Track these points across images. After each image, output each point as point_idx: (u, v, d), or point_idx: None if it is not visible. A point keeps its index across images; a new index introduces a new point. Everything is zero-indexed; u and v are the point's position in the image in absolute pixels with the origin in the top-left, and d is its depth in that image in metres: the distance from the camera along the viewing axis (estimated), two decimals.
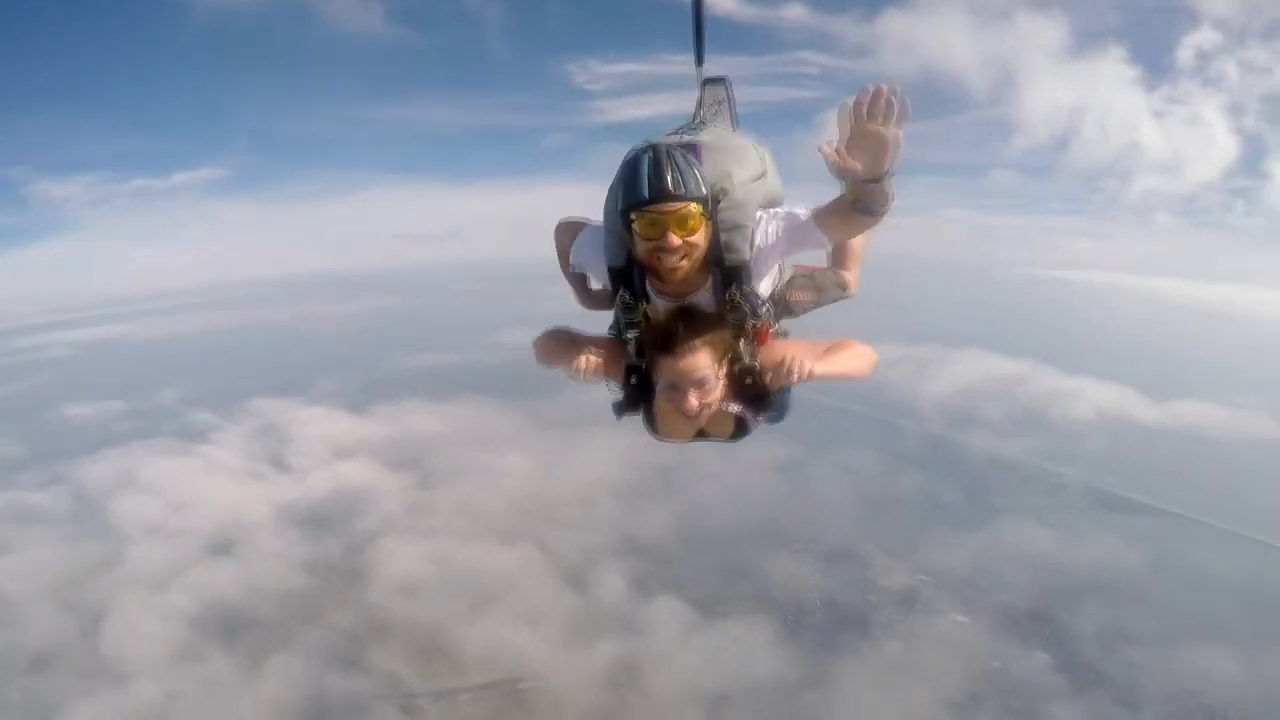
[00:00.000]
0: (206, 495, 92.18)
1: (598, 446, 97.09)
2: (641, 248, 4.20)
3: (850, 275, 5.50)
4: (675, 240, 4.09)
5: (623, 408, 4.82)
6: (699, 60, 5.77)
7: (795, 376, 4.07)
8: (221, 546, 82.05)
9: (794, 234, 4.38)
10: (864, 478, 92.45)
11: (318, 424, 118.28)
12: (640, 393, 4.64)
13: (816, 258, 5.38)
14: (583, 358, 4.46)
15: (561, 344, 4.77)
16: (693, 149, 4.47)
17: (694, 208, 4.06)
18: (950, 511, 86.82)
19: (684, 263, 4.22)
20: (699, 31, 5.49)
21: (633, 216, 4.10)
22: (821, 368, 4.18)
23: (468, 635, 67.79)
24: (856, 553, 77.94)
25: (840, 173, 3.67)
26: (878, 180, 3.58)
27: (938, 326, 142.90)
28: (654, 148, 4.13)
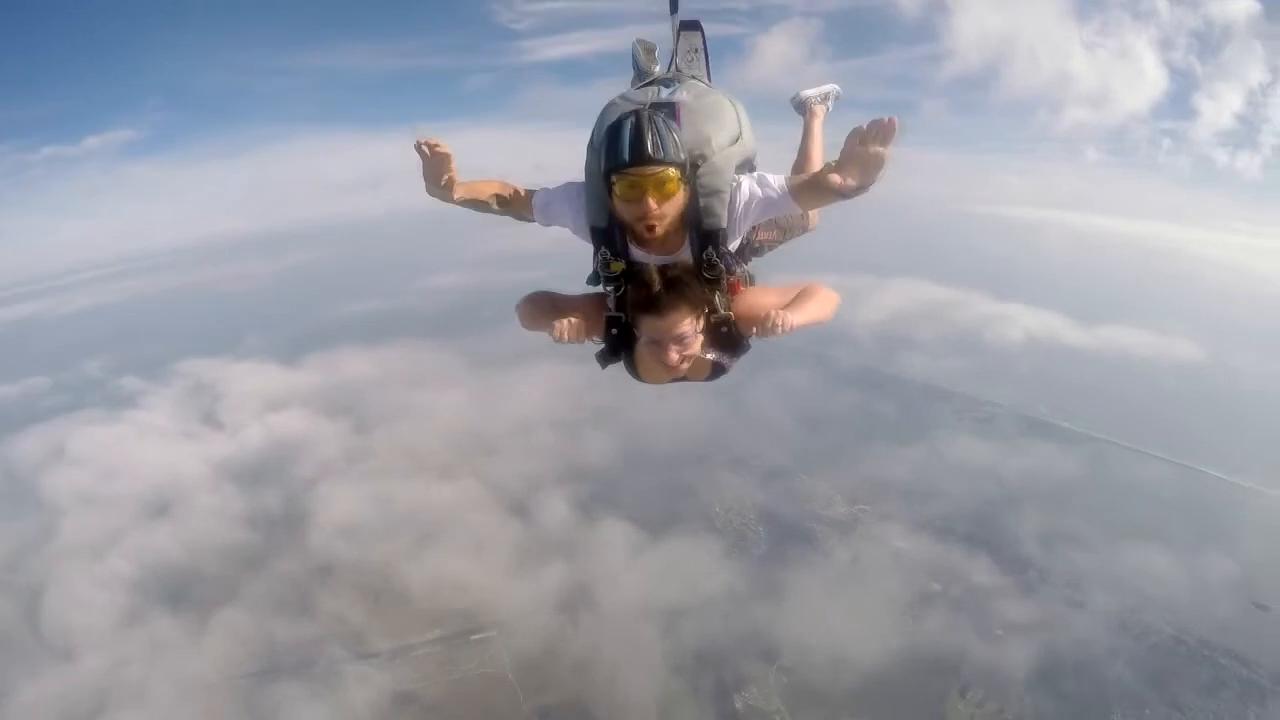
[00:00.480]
0: (139, 459, 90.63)
1: (534, 381, 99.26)
2: (620, 209, 4.32)
3: (814, 215, 5.68)
4: (653, 203, 4.22)
5: (606, 357, 4.92)
6: (674, 5, 5.78)
7: (778, 330, 4.19)
8: (158, 509, 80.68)
9: (770, 205, 4.54)
10: (802, 399, 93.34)
11: (248, 379, 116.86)
12: (621, 342, 4.76)
13: None
14: (562, 324, 4.46)
15: (542, 308, 4.88)
16: (672, 111, 4.68)
17: (672, 172, 4.19)
18: (887, 428, 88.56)
19: (661, 224, 4.34)
20: None
21: (613, 178, 4.22)
22: (797, 318, 4.26)
23: (414, 572, 67.72)
24: (797, 469, 79.16)
25: (838, 188, 3.95)
26: (865, 189, 3.92)
27: (869, 259, 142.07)
28: (636, 113, 4.22)
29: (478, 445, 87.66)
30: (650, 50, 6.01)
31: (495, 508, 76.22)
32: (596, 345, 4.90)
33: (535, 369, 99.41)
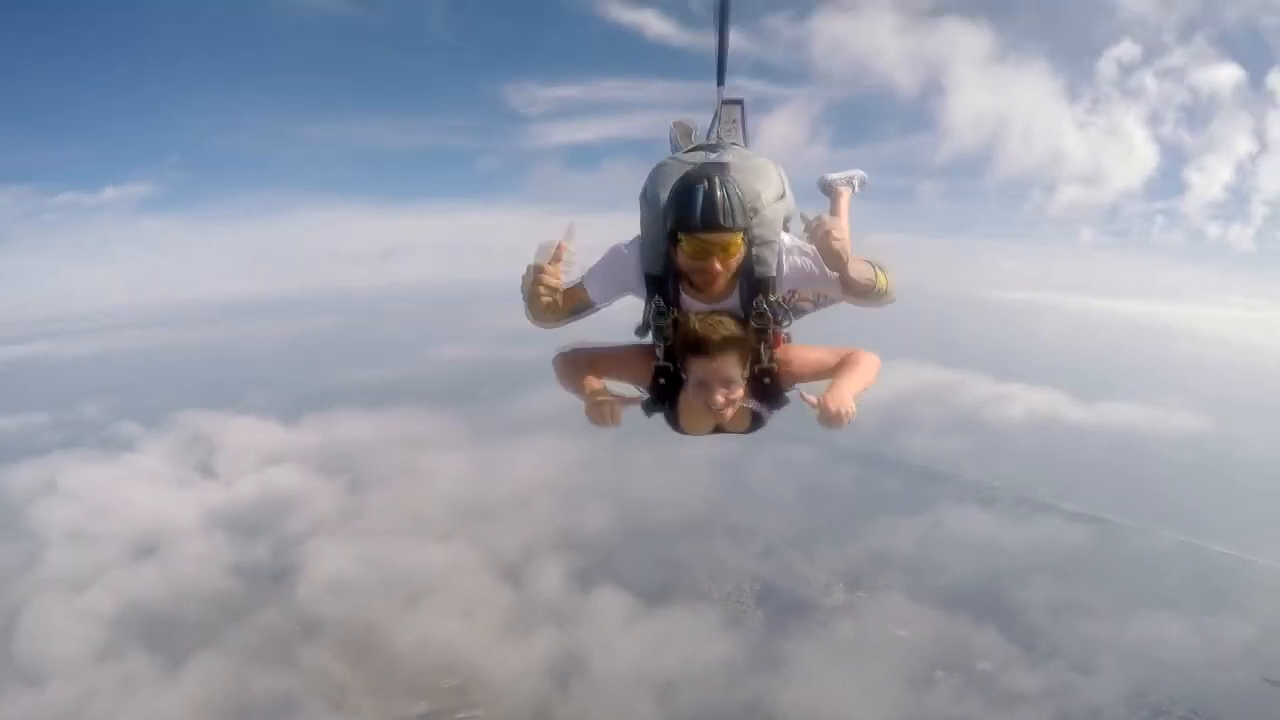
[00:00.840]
0: (130, 500, 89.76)
1: (534, 452, 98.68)
2: (685, 264, 4.46)
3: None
4: (718, 265, 4.39)
5: (651, 406, 4.95)
6: (720, 80, 5.87)
7: (843, 423, 4.30)
8: (145, 550, 79.66)
9: (820, 284, 4.82)
10: (803, 473, 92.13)
11: (246, 433, 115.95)
12: (667, 392, 4.83)
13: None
14: (603, 411, 4.58)
15: (579, 367, 4.92)
16: (723, 170, 4.66)
17: (739, 237, 4.37)
18: (889, 501, 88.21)
19: (722, 279, 4.53)
20: (722, 52, 5.61)
21: (680, 236, 4.34)
22: (852, 400, 4.39)
23: (401, 633, 66.33)
24: (798, 541, 78.42)
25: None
26: (841, 270, 4.32)
27: (869, 342, 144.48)
28: (709, 178, 4.33)
29: (474, 511, 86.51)
30: (688, 131, 6.32)
31: (488, 573, 75.07)
32: (642, 393, 4.95)
33: (536, 440, 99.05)
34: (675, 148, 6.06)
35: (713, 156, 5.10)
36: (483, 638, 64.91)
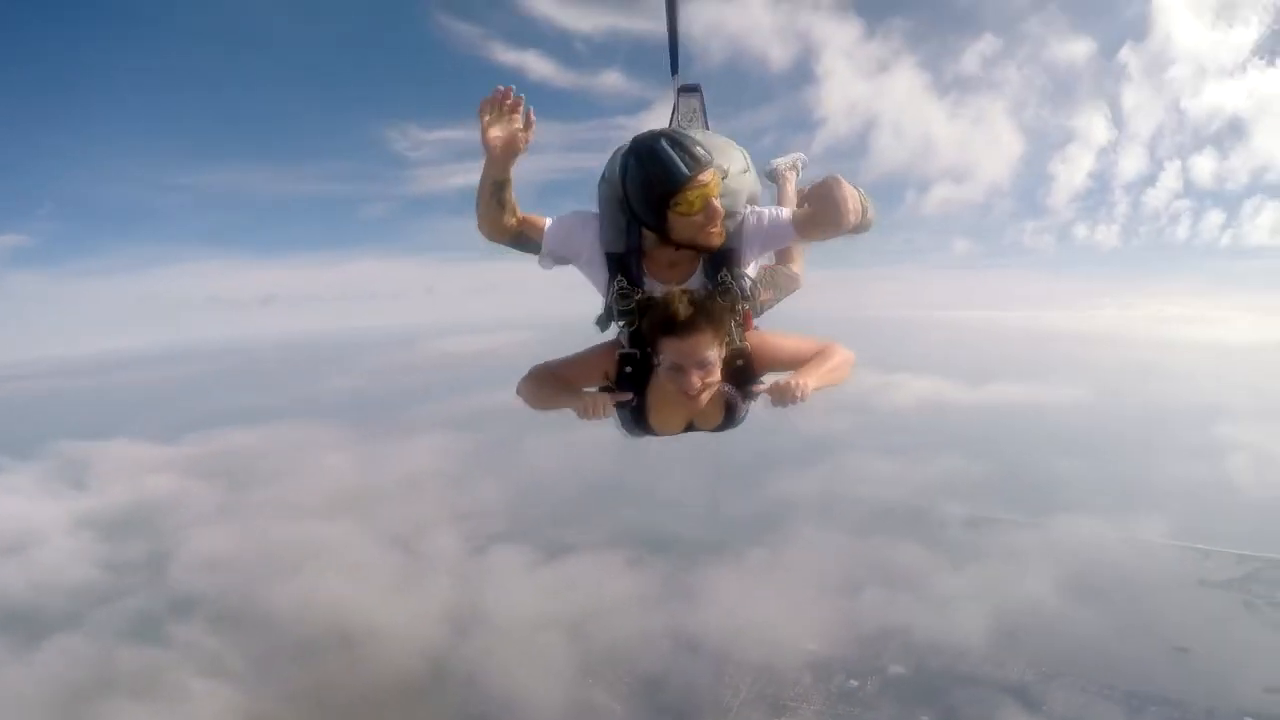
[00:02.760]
0: None
1: (422, 447, 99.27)
2: (682, 228, 4.17)
3: (799, 269, 5.86)
4: (718, 206, 4.15)
5: (626, 416, 4.74)
6: (674, 69, 5.81)
7: (798, 398, 4.14)
8: (7, 549, 75.87)
9: (776, 234, 4.51)
10: (697, 442, 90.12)
11: (122, 453, 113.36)
12: (634, 381, 4.54)
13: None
14: (587, 402, 4.31)
15: (548, 383, 4.64)
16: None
17: (716, 175, 4.13)
18: (786, 459, 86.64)
19: (720, 221, 4.27)
20: (673, 38, 5.52)
21: (675, 200, 4.06)
22: (814, 382, 4.21)
23: (282, 597, 63.84)
24: (698, 496, 77.76)
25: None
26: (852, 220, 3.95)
27: None
28: (664, 133, 4.15)
29: (360, 496, 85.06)
30: None
31: (376, 544, 73.33)
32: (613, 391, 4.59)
33: (424, 439, 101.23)
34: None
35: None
36: (372, 599, 62.95)
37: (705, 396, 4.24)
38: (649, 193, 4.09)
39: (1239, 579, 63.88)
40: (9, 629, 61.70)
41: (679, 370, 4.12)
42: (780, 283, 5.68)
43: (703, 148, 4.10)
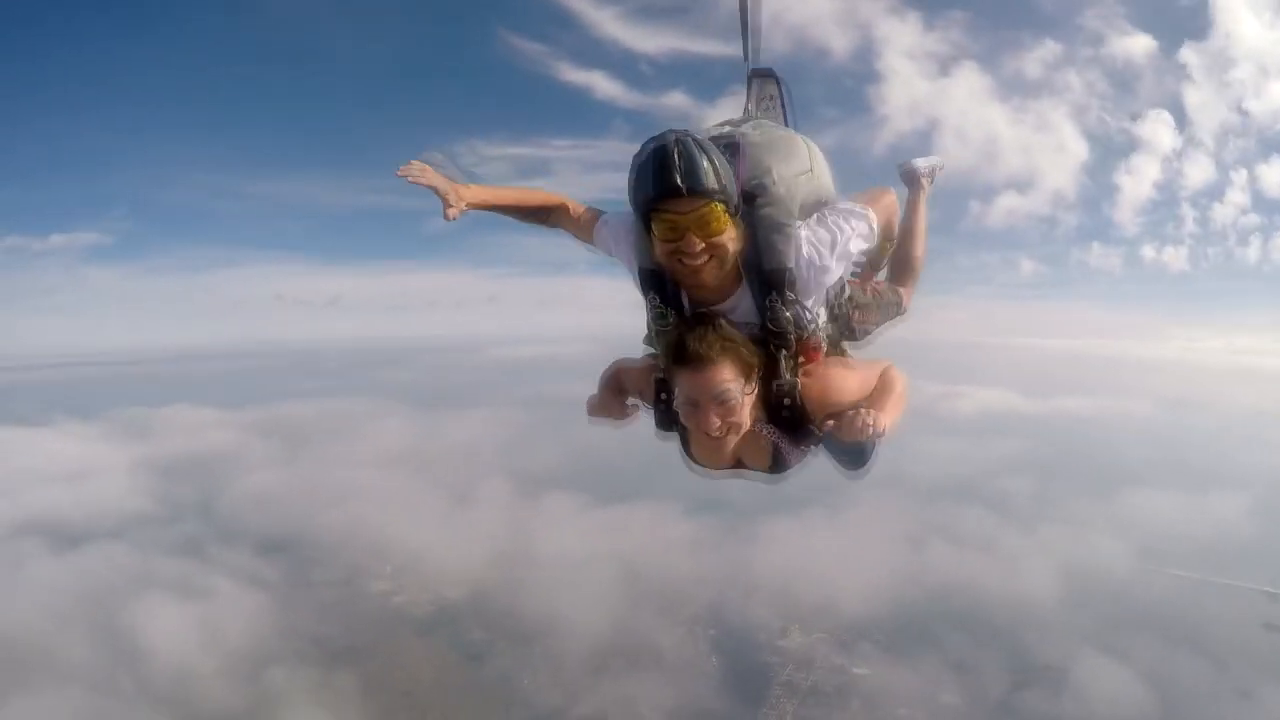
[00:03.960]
0: (59, 454, 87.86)
1: (477, 418, 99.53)
2: (660, 250, 3.61)
3: (908, 293, 5.10)
4: (697, 243, 3.50)
5: (660, 425, 4.05)
6: (746, 55, 5.35)
7: (870, 435, 3.51)
8: (65, 478, 77.92)
9: (850, 226, 3.86)
10: None
11: (184, 415, 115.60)
12: (671, 409, 3.83)
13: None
14: (595, 405, 4.09)
15: (606, 382, 4.26)
16: (732, 147, 3.93)
17: (717, 207, 3.45)
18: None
19: (709, 266, 3.60)
20: (745, 21, 5.10)
21: (650, 220, 3.53)
22: (889, 418, 3.61)
23: (324, 525, 64.74)
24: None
25: None
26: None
27: None
28: (665, 138, 3.43)
29: (415, 454, 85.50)
30: None
31: (426, 489, 73.13)
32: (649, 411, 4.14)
33: (480, 412, 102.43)
34: None
35: (728, 131, 4.21)
36: (417, 533, 62.67)
37: (731, 438, 3.63)
38: (631, 200, 3.59)
39: None
40: (53, 535, 62.85)
41: (694, 406, 3.54)
42: (886, 306, 4.81)
43: (716, 169, 3.41)
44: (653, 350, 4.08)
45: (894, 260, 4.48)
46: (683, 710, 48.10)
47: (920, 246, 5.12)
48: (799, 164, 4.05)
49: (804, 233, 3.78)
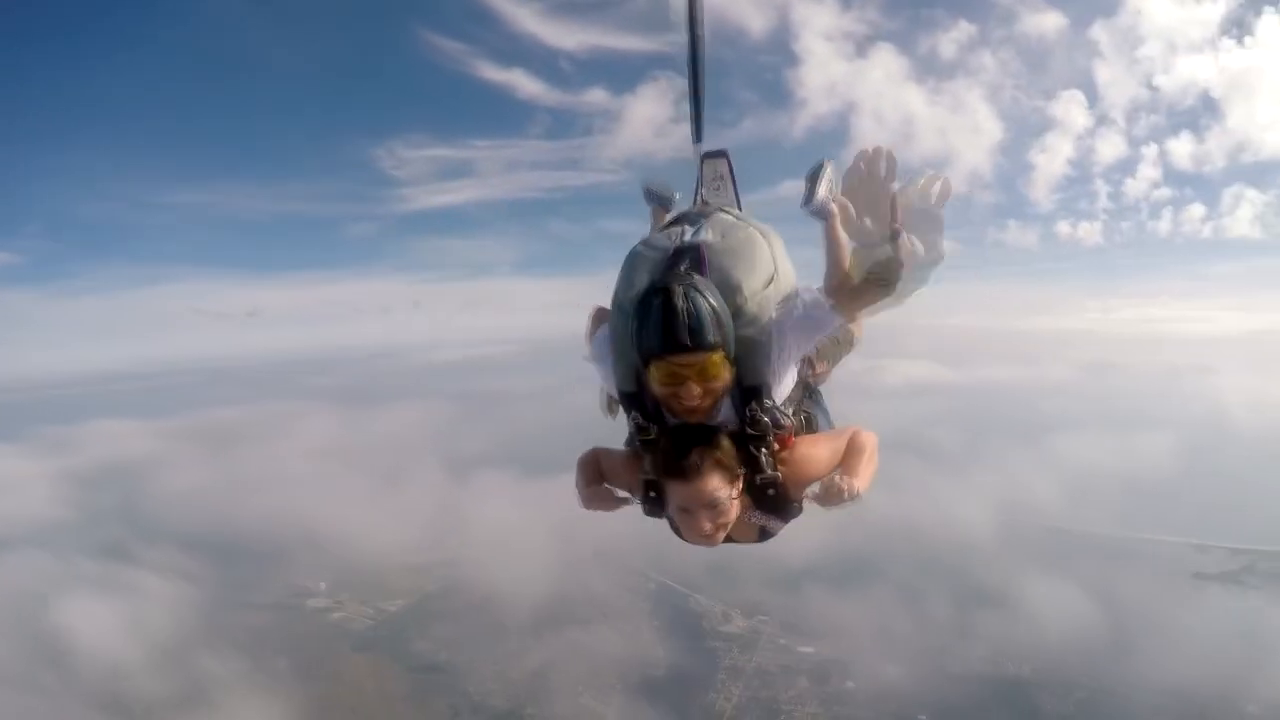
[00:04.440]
0: None
1: (403, 412, 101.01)
2: (658, 391, 3.69)
3: (858, 327, 5.04)
4: (695, 391, 3.58)
5: (650, 514, 4.10)
6: (697, 136, 5.26)
7: (848, 501, 3.69)
8: None
9: (812, 326, 3.96)
10: None
11: (105, 429, 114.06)
12: (659, 504, 3.94)
13: None
14: (595, 499, 4.07)
15: (588, 474, 4.24)
16: (697, 256, 4.03)
17: (716, 357, 3.56)
18: None
19: (704, 404, 3.69)
20: (697, 105, 4.99)
21: (650, 362, 3.60)
22: (863, 483, 3.78)
23: (251, 511, 65.14)
24: None
25: (852, 227, 4.08)
26: (893, 239, 3.97)
27: None
28: (666, 290, 3.54)
29: (342, 447, 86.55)
30: (665, 200, 5.57)
31: (355, 474, 74.06)
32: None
33: (407, 405, 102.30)
34: (660, 199, 5.56)
35: (689, 233, 4.22)
36: (346, 514, 63.62)
37: (720, 535, 3.78)
38: (626, 333, 3.72)
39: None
40: None
41: (687, 514, 3.65)
42: (836, 351, 4.90)
43: (714, 320, 3.53)
44: (633, 446, 4.18)
45: (834, 293, 4.37)
46: (628, 657, 50.51)
47: (845, 272, 4.90)
48: (764, 271, 4.07)
49: (781, 336, 3.96)
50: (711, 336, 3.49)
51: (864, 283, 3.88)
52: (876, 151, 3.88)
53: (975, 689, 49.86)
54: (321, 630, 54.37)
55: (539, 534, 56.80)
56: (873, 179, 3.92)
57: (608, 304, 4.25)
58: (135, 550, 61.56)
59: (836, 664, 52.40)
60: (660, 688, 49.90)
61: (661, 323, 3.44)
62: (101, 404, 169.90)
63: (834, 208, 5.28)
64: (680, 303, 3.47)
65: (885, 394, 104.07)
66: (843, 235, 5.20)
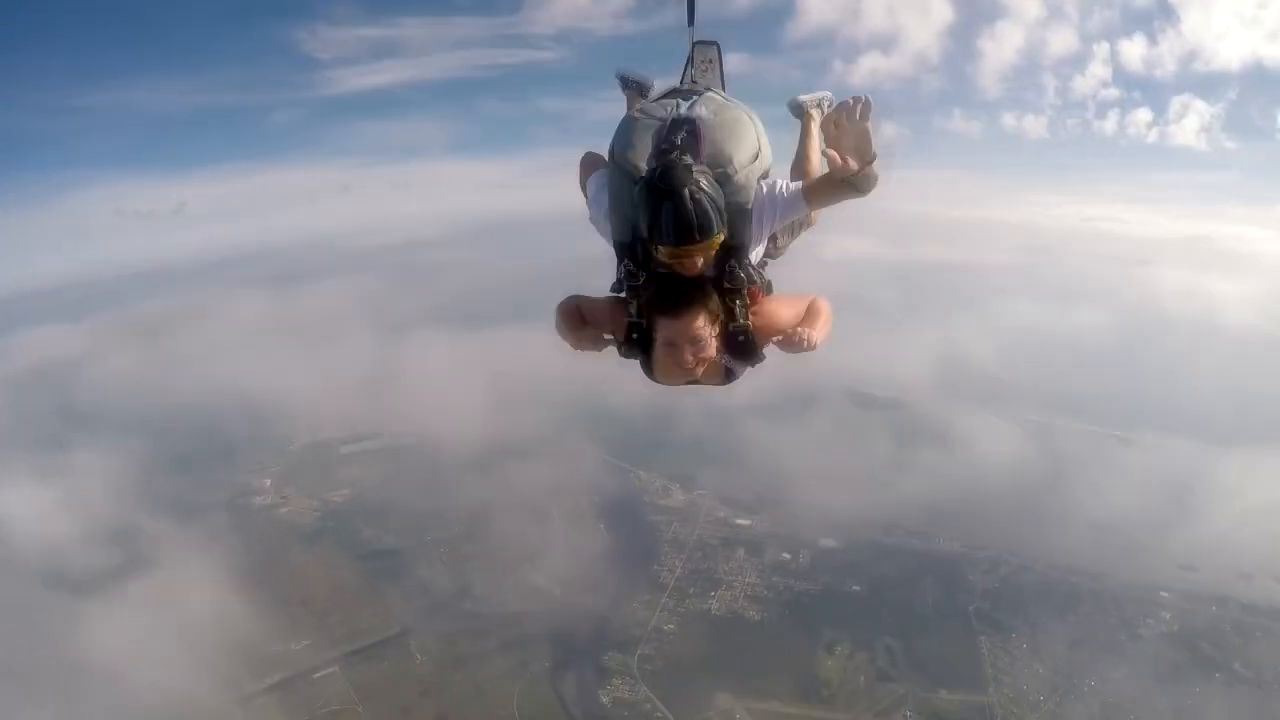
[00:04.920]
0: None
1: (331, 289, 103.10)
2: (665, 261, 4.31)
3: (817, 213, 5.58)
4: (699, 262, 4.29)
5: (626, 355, 4.83)
6: (691, 19, 5.86)
7: (807, 347, 4.31)
8: None
9: (787, 211, 4.61)
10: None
11: (28, 337, 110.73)
12: (640, 345, 4.69)
13: None
14: (583, 338, 4.64)
15: (572, 319, 4.74)
16: (693, 129, 4.60)
17: (717, 240, 4.20)
18: None
19: (702, 269, 4.39)
20: None
21: (656, 245, 4.23)
22: (820, 335, 4.41)
23: (186, 386, 66.33)
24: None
25: (839, 171, 4.17)
26: (868, 165, 4.16)
27: None
28: (675, 194, 4.05)
29: (274, 325, 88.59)
30: (641, 89, 6.10)
31: (288, 344, 76.21)
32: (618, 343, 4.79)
33: (334, 283, 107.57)
34: (639, 86, 6.09)
35: (684, 107, 4.82)
36: (280, 377, 64.73)
37: (700, 369, 4.48)
38: (639, 222, 4.24)
39: None
40: None
41: (673, 346, 4.34)
42: (796, 230, 5.63)
43: (715, 210, 4.10)
44: (615, 293, 4.73)
45: (808, 190, 4.75)
46: (570, 543, 51.90)
47: (816, 172, 5.46)
48: (749, 147, 4.63)
49: (760, 206, 4.56)
50: (716, 227, 4.12)
51: (841, 184, 4.26)
52: (857, 99, 4.17)
53: (907, 561, 51.95)
54: (269, 526, 55.27)
55: (473, 381, 59.05)
56: (851, 119, 4.20)
57: (593, 153, 5.03)
58: (72, 439, 61.58)
59: (773, 537, 54.33)
60: (606, 562, 51.47)
61: (674, 224, 4.02)
62: (28, 316, 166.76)
63: (813, 111, 6.25)
64: (689, 205, 4.02)
65: (830, 264, 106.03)
66: (815, 136, 6.09)
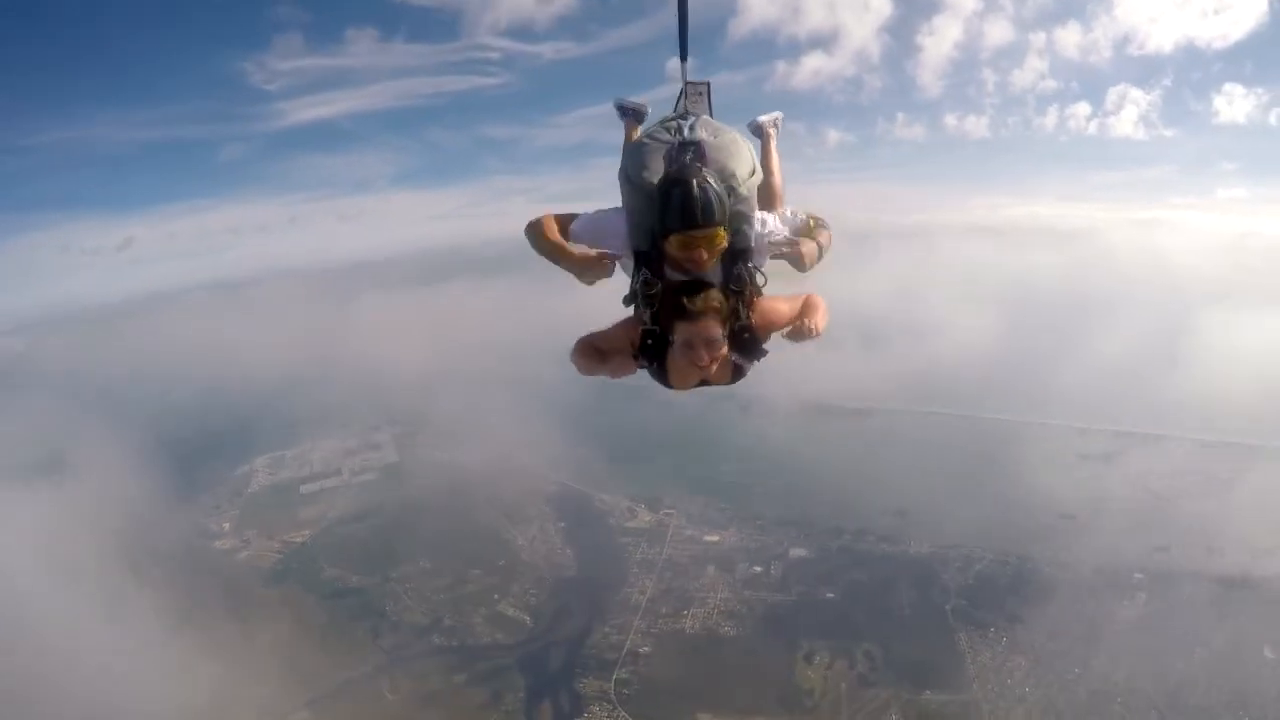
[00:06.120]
0: None
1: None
2: (676, 254, 4.74)
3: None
4: (705, 255, 4.72)
5: (642, 360, 5.17)
6: (684, 55, 6.23)
7: (813, 336, 4.91)
8: None
9: (784, 245, 5.18)
10: None
11: None
12: (655, 351, 5.06)
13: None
14: (617, 373, 5.17)
15: (591, 356, 5.19)
16: (699, 150, 5.03)
17: (720, 230, 4.65)
18: None
19: (709, 263, 4.83)
20: (683, 28, 5.82)
21: (668, 234, 4.64)
22: (822, 323, 4.93)
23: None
24: None
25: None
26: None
27: None
28: (684, 181, 4.59)
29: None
30: (640, 116, 6.79)
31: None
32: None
33: None
34: (634, 113, 6.79)
35: (686, 128, 5.27)
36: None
37: (714, 368, 4.88)
38: (646, 208, 4.79)
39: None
40: None
41: (690, 348, 4.68)
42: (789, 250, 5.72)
43: (720, 202, 4.57)
44: (629, 309, 5.11)
45: (762, 192, 5.40)
46: (525, 515, 56.36)
47: (779, 180, 6.30)
48: (746, 164, 5.08)
49: (764, 228, 5.09)
50: (719, 215, 4.57)
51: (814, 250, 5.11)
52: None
53: (879, 566, 52.62)
54: (231, 571, 54.69)
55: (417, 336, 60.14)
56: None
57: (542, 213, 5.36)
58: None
59: (743, 550, 55.21)
60: (576, 587, 51.61)
61: (683, 207, 4.49)
62: None
63: (771, 130, 7.00)
64: (697, 192, 4.51)
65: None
66: (775, 154, 6.83)
